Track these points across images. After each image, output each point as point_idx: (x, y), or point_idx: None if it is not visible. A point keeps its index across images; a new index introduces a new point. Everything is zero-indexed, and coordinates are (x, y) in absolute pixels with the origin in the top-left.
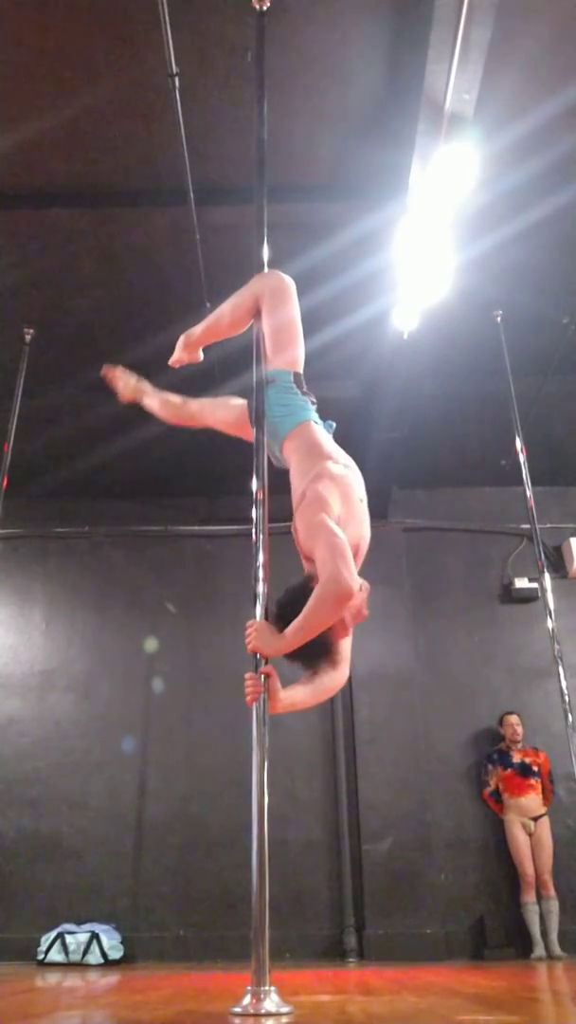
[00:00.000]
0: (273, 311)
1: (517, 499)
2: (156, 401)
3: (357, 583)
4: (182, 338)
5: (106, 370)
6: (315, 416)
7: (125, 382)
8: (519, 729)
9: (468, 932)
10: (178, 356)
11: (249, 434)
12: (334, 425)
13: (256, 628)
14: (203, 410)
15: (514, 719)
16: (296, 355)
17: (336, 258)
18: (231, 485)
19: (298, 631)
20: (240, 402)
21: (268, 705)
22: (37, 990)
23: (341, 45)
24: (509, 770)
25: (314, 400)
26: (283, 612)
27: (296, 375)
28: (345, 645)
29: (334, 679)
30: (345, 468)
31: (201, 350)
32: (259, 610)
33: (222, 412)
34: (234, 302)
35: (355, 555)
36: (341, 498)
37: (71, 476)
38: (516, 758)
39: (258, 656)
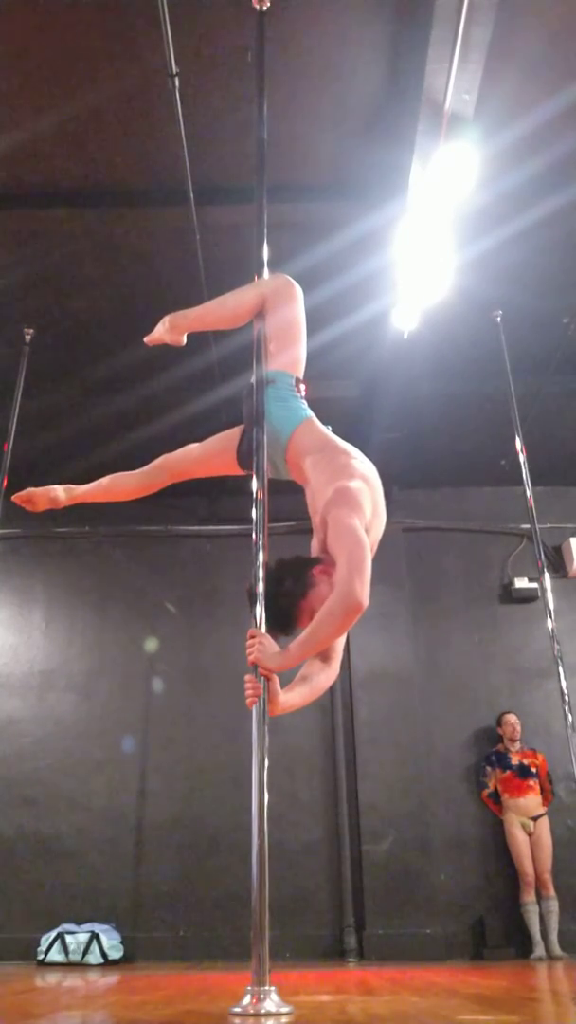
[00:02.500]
0: (279, 311)
1: (517, 499)
2: (101, 489)
3: (368, 598)
4: (167, 319)
5: (17, 499)
6: (315, 417)
7: (48, 497)
8: (518, 728)
9: (468, 932)
10: (158, 336)
11: (237, 469)
12: (330, 427)
13: (259, 640)
14: (170, 465)
15: (512, 718)
16: (298, 356)
17: (336, 258)
18: (231, 485)
19: (304, 644)
20: (222, 434)
21: (268, 708)
22: (37, 990)
23: (341, 45)
24: (508, 771)
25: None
26: (276, 588)
27: (297, 380)
28: (336, 641)
29: (328, 676)
30: (370, 467)
31: (185, 336)
32: (259, 610)
33: (198, 453)
34: (238, 297)
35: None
36: (371, 499)
37: (71, 476)
38: (515, 760)
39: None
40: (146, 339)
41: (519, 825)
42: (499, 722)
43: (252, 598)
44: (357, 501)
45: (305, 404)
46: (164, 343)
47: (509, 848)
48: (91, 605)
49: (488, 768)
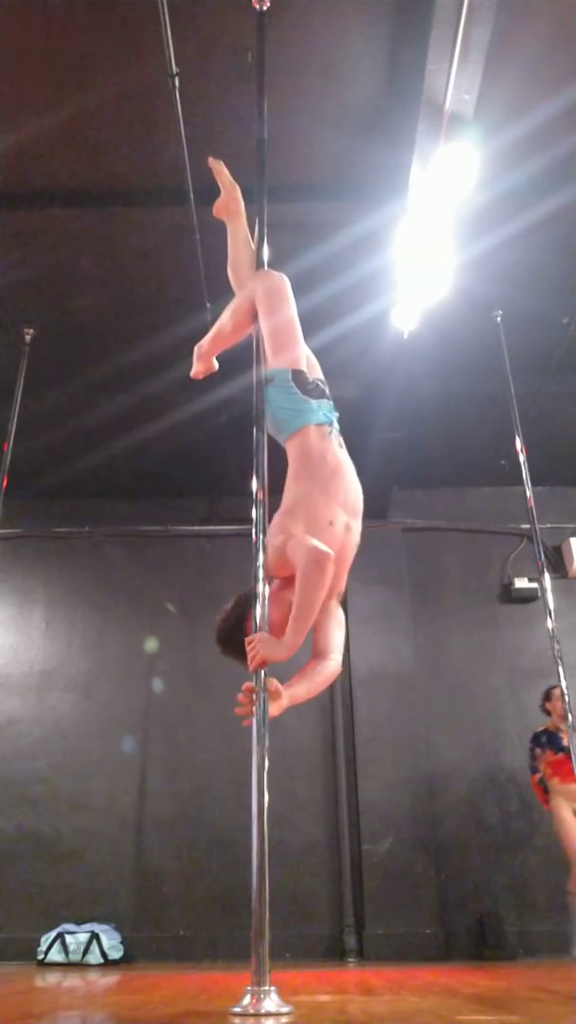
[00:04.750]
0: (270, 312)
1: (517, 499)
2: (238, 238)
3: (328, 548)
4: (195, 350)
5: (212, 161)
6: (317, 416)
7: (229, 191)
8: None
9: (468, 932)
10: (196, 368)
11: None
12: (334, 429)
13: (259, 640)
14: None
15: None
16: (296, 354)
17: (336, 258)
18: (231, 485)
19: (296, 619)
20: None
21: (269, 709)
22: (37, 990)
23: (341, 45)
24: (560, 754)
25: (322, 385)
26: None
27: (295, 373)
28: (334, 634)
29: (327, 668)
30: (320, 493)
31: (215, 358)
32: (259, 611)
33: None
34: (232, 308)
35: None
36: (305, 525)
37: (71, 476)
38: (566, 740)
39: (263, 672)
40: (192, 374)
41: (568, 809)
42: (547, 696)
43: (229, 639)
44: (285, 526)
45: (312, 403)
46: (204, 374)
47: (557, 832)
48: (91, 605)
49: (537, 750)
